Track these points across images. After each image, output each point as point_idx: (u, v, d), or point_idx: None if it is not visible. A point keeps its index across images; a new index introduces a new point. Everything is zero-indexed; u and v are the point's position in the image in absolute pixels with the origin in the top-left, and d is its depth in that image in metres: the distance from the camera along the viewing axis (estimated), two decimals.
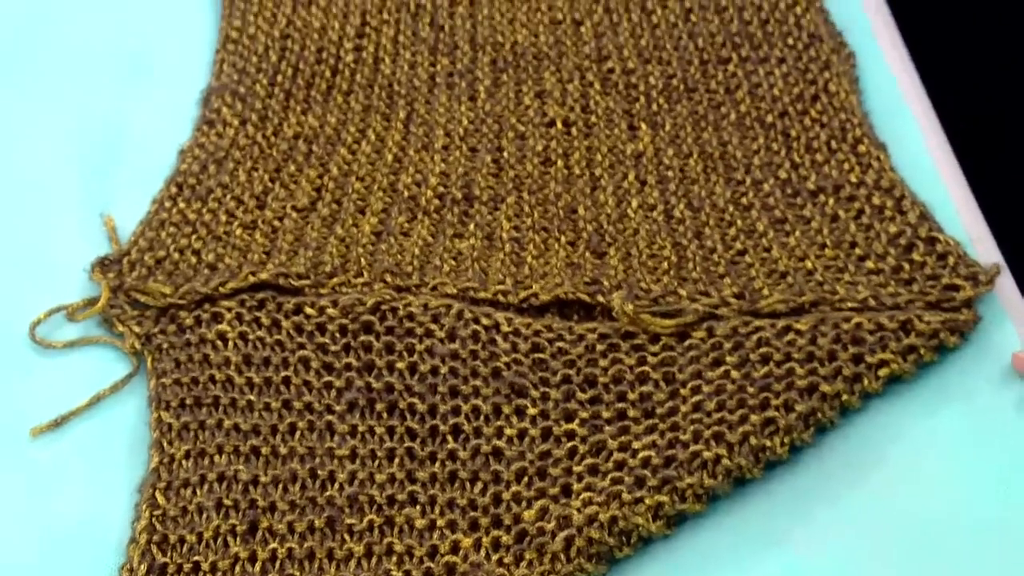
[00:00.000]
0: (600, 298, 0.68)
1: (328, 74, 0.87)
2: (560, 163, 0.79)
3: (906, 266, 0.70)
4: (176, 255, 0.73)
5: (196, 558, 0.59)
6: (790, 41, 0.85)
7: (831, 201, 0.74)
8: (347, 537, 0.60)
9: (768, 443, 0.61)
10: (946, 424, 0.64)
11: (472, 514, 0.60)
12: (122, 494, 0.64)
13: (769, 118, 0.80)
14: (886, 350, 0.64)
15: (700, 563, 0.60)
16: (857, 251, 0.71)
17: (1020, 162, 0.99)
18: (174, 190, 0.78)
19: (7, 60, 0.89)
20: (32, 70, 0.89)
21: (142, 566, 0.59)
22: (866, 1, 0.91)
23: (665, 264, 0.72)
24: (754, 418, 0.61)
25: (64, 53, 0.90)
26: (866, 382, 0.64)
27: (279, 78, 0.86)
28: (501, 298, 0.69)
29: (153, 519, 0.60)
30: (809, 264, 0.70)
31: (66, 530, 0.63)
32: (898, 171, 0.76)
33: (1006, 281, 0.71)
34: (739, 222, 0.74)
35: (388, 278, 0.71)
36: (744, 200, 0.76)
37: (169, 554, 0.59)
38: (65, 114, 0.86)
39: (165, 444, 0.64)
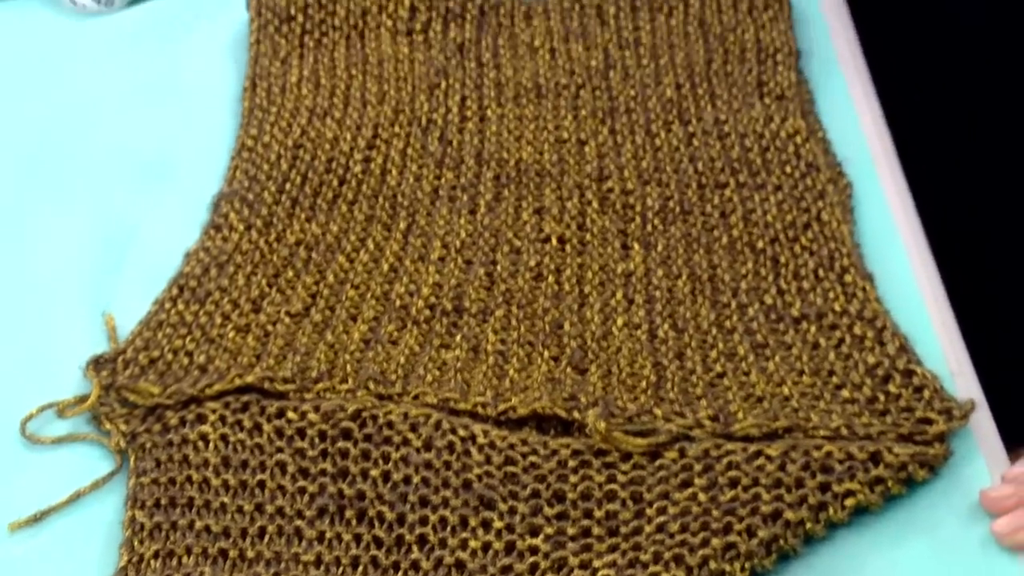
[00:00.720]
0: (576, 414, 0.69)
1: (336, 183, 0.89)
2: (551, 279, 0.81)
3: (881, 397, 0.70)
4: (170, 356, 0.75)
5: None
6: (788, 169, 0.87)
7: (813, 329, 0.75)
8: None
9: (727, 568, 0.61)
10: (910, 557, 0.64)
11: None
12: None
13: (760, 243, 0.81)
14: (853, 480, 0.64)
15: None
16: (834, 379, 0.72)
17: (1009, 298, 0.99)
18: (175, 292, 0.80)
19: (33, 162, 0.93)
20: (56, 172, 0.93)
21: None
22: (869, 133, 0.92)
23: (644, 383, 0.72)
24: (715, 542, 0.62)
25: (87, 157, 0.94)
26: (832, 511, 0.64)
27: (287, 186, 0.88)
28: (480, 410, 0.70)
29: None
30: (786, 390, 0.71)
31: None
32: (884, 301, 0.77)
33: (983, 417, 0.71)
34: (721, 345, 0.75)
35: (371, 385, 0.72)
36: (728, 323, 0.76)
37: None
38: (82, 215, 0.89)
39: (136, 543, 0.65)
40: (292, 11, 1.02)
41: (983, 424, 0.70)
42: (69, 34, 1.06)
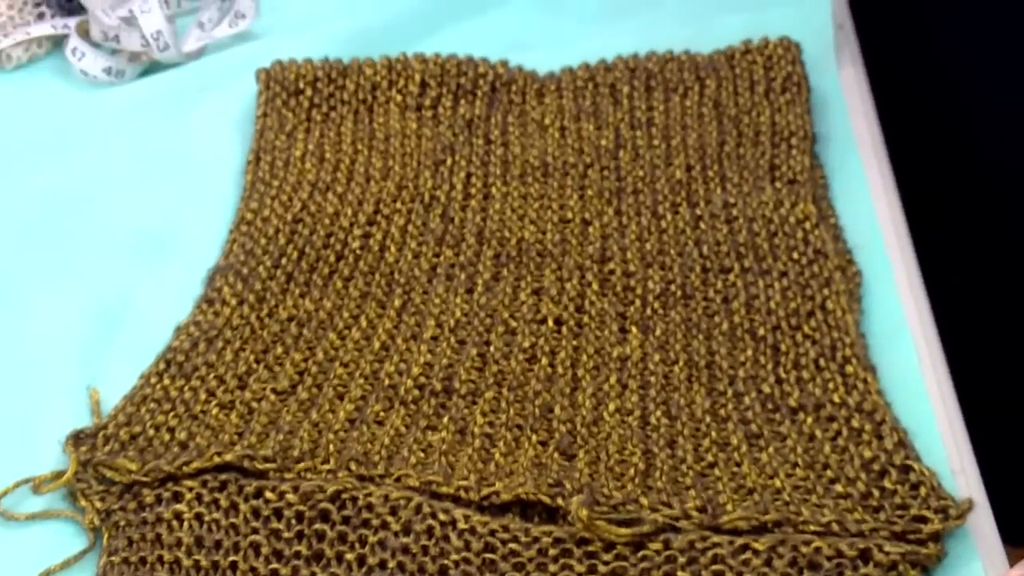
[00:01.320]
0: (560, 501, 0.70)
1: (332, 259, 0.90)
2: (544, 361, 0.82)
3: (876, 492, 0.70)
4: (151, 431, 0.77)
5: None
6: (795, 255, 0.88)
7: (809, 420, 0.76)
8: None
9: None
10: None
11: None
12: None
13: (761, 331, 0.82)
14: None
15: None
16: (828, 473, 0.72)
17: (1018, 398, 0.99)
18: (162, 366, 0.81)
19: (33, 231, 0.96)
20: (55, 242, 0.95)
21: None
22: (884, 221, 0.93)
23: (632, 471, 0.73)
24: None
25: (88, 228, 0.96)
26: None
27: (283, 261, 0.90)
28: (463, 494, 0.71)
29: None
30: (778, 483, 0.72)
31: None
32: (887, 395, 0.78)
33: (983, 518, 0.71)
34: (714, 433, 0.76)
35: (353, 466, 0.73)
36: (723, 411, 0.77)
37: None
38: (77, 287, 0.90)
39: None
40: (301, 85, 1.05)
41: (983, 525, 0.71)
42: (79, 105, 1.09)
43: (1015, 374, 0.97)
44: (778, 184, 0.95)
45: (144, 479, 0.73)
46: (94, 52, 1.12)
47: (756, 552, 0.66)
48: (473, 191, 0.97)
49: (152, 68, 1.13)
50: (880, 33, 1.09)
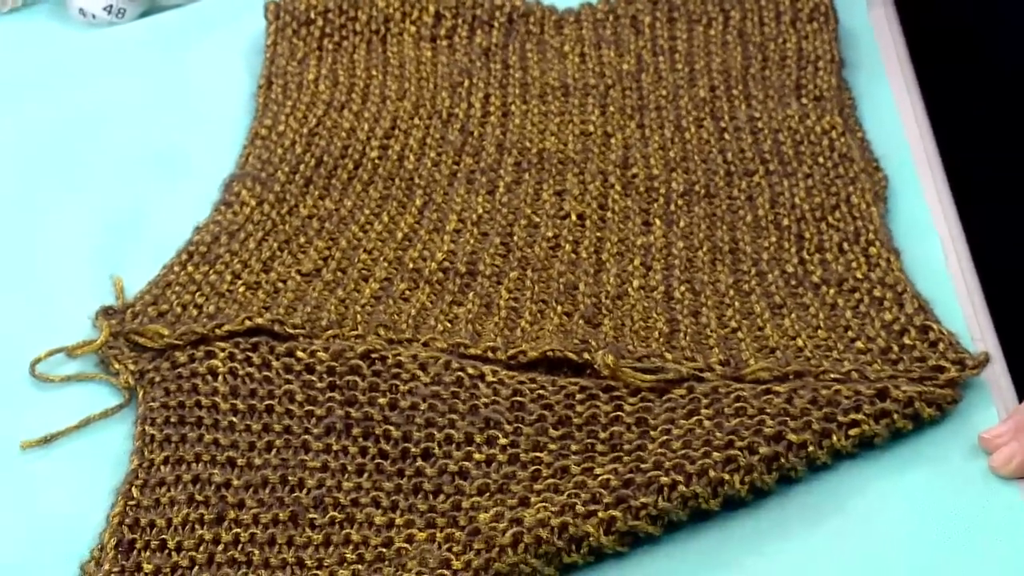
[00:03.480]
0: (587, 355, 0.85)
1: (351, 167, 1.06)
2: (568, 248, 0.97)
3: (895, 348, 0.85)
4: (179, 309, 0.91)
5: (163, 537, 0.75)
6: (820, 160, 1.03)
7: (832, 291, 0.91)
8: (308, 529, 0.76)
9: (727, 478, 0.76)
10: (911, 483, 0.78)
11: (430, 515, 0.76)
12: (101, 506, 0.80)
13: (786, 221, 0.97)
14: (859, 411, 0.79)
15: None
16: (849, 334, 0.87)
17: None
18: (184, 257, 0.96)
19: (46, 156, 1.12)
20: (67, 164, 1.11)
21: (111, 541, 0.75)
22: (913, 139, 1.09)
23: (656, 334, 0.88)
24: (716, 455, 0.76)
25: (99, 151, 1.12)
26: (835, 438, 0.78)
27: (301, 167, 1.05)
28: (490, 354, 0.86)
29: (127, 507, 0.77)
30: (800, 342, 0.86)
31: (45, 534, 0.80)
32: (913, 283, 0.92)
33: (999, 373, 0.86)
34: (737, 304, 0.90)
35: (381, 331, 0.88)
36: (746, 287, 0.92)
37: (138, 533, 0.76)
38: (91, 200, 1.06)
39: (146, 451, 0.81)
40: (312, 15, 1.20)
41: (1000, 380, 0.85)
42: (80, 44, 1.25)
43: None
44: (804, 100, 1.10)
45: (177, 342, 0.88)
46: None
47: (777, 394, 0.81)
48: (492, 108, 1.13)
49: (152, 9, 1.30)
50: None
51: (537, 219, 1.00)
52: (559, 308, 0.91)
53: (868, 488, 0.79)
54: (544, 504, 0.75)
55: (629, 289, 0.93)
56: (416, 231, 0.99)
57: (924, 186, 1.04)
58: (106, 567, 0.75)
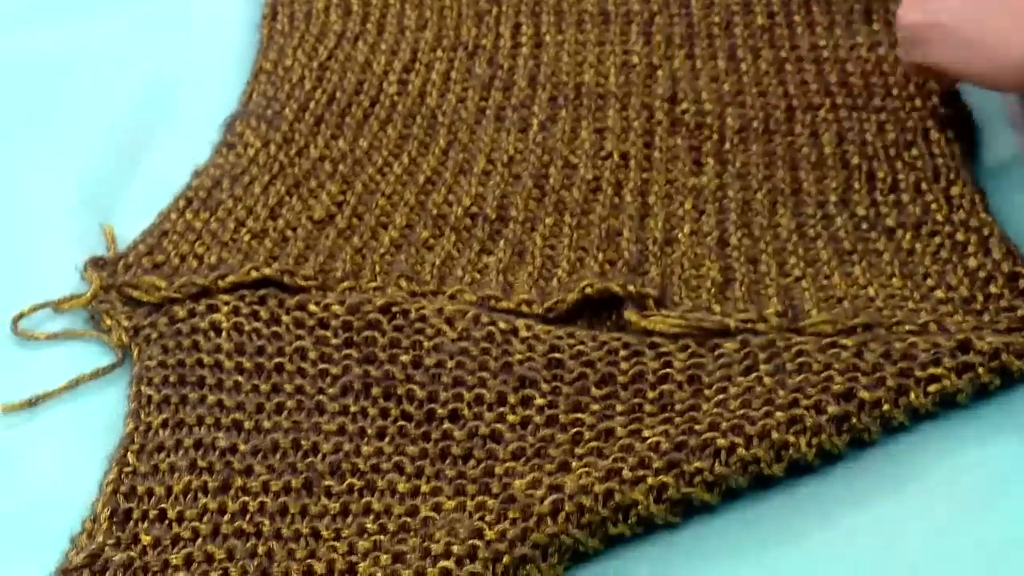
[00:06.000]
0: (631, 288, 0.84)
1: (367, 104, 1.06)
2: (610, 191, 0.97)
3: (980, 297, 0.85)
4: (176, 260, 0.92)
5: (162, 506, 0.75)
6: (894, 92, 1.03)
7: (908, 236, 0.90)
8: (324, 497, 0.76)
9: (791, 440, 0.76)
10: (1000, 448, 0.78)
11: (459, 482, 0.76)
12: (93, 475, 0.81)
13: (855, 160, 0.97)
14: (939, 365, 0.79)
15: (704, 552, 0.74)
16: (928, 282, 0.87)
17: None
18: (183, 203, 0.97)
19: (39, 86, 1.13)
20: (59, 98, 1.12)
21: (105, 511, 0.76)
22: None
23: (709, 283, 0.88)
24: (779, 415, 0.77)
25: (94, 85, 1.13)
26: (913, 396, 0.78)
27: (312, 104, 1.06)
28: (525, 308, 0.86)
29: (122, 474, 0.78)
30: (871, 292, 0.86)
31: (31, 506, 0.80)
32: (1001, 224, 0.92)
33: None
34: (801, 250, 0.90)
35: (403, 283, 0.88)
36: (811, 232, 0.92)
37: (135, 502, 0.76)
38: (83, 140, 1.07)
39: (143, 414, 0.81)
40: None
41: None
42: None
43: None
44: (875, 26, 1.10)
45: (176, 295, 0.88)
46: None
47: (844, 347, 0.81)
48: (523, 39, 1.13)
49: None
50: None
51: (575, 159, 1.00)
52: (600, 256, 0.91)
53: (951, 453, 0.79)
54: (587, 469, 0.75)
55: (679, 235, 0.93)
56: (440, 173, 1.00)
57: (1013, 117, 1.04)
58: (99, 539, 0.75)
